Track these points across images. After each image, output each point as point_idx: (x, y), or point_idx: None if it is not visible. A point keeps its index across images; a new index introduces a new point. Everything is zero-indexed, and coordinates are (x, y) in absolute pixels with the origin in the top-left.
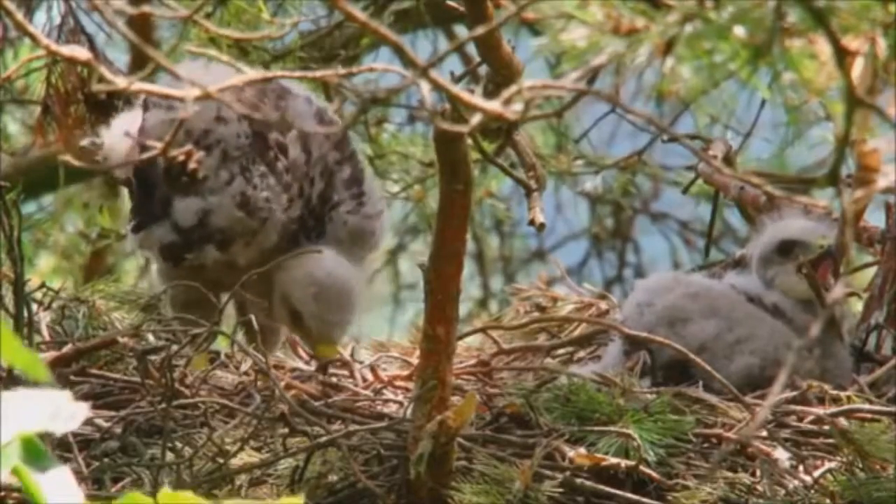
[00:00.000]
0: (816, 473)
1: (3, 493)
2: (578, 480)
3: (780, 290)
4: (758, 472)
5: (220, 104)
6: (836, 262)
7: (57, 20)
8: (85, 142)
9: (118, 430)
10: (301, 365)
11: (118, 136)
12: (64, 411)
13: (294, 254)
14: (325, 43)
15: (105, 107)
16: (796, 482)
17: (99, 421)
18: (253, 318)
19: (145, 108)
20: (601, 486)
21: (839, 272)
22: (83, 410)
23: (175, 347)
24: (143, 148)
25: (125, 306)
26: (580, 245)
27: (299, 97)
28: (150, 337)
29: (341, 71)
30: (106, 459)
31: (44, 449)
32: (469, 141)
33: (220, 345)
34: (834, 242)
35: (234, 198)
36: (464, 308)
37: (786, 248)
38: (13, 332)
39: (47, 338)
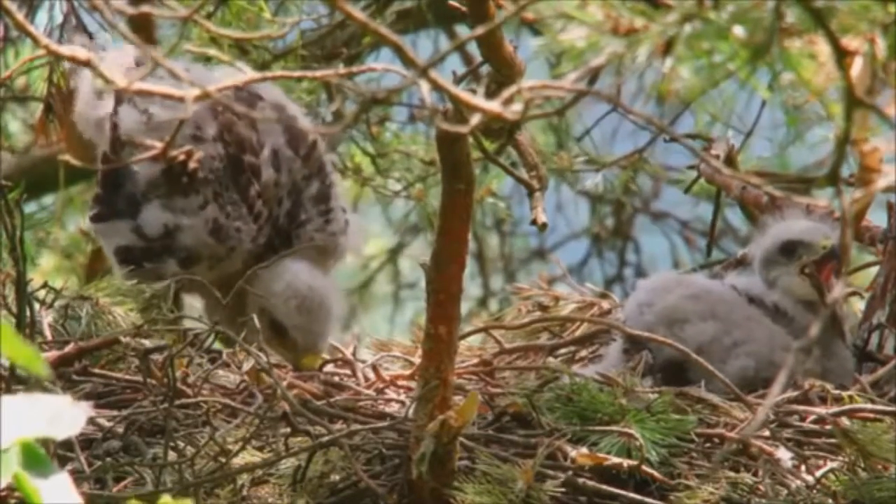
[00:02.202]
0: (819, 473)
1: (4, 493)
2: (581, 480)
3: (783, 291)
4: (760, 472)
5: (197, 120)
6: (839, 262)
7: (58, 19)
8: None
9: (120, 429)
10: None
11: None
12: (65, 416)
13: (267, 263)
14: (326, 42)
15: None
16: (798, 482)
17: (101, 420)
18: (255, 317)
19: (117, 101)
20: (603, 486)
21: (840, 272)
22: (84, 415)
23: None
24: (117, 141)
25: (128, 302)
26: (581, 244)
27: (267, 106)
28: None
29: (342, 70)
30: (108, 459)
31: (44, 454)
32: (471, 140)
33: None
34: (837, 243)
35: (206, 223)
36: (464, 307)
37: (789, 249)
38: (15, 331)
39: (49, 337)
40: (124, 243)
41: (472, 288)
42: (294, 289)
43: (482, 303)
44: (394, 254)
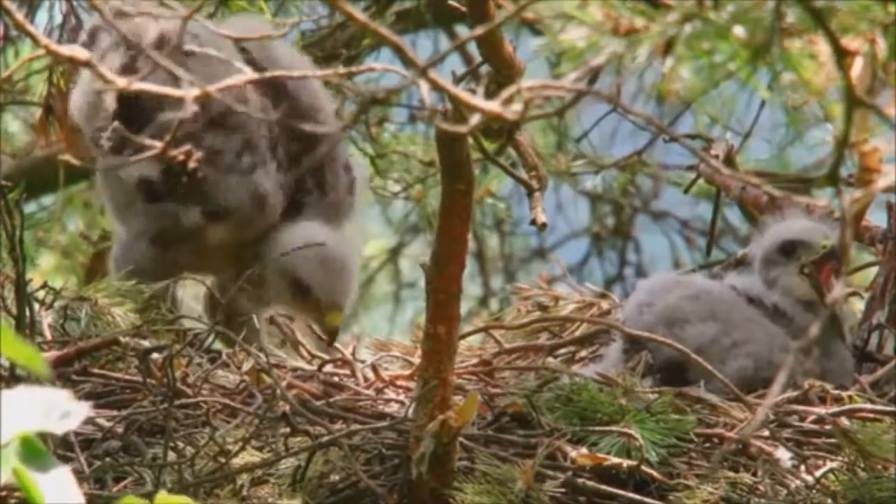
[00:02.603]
0: (818, 473)
1: (4, 493)
2: (580, 480)
3: (782, 291)
4: (759, 472)
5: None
6: (839, 262)
7: (58, 19)
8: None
9: (120, 429)
10: (303, 364)
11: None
12: (63, 410)
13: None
14: (326, 43)
15: None
16: (798, 482)
17: (101, 420)
18: (255, 317)
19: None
20: (603, 486)
21: (840, 272)
22: (83, 410)
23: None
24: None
25: (127, 302)
26: (581, 244)
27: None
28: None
29: (342, 71)
30: (108, 459)
31: (43, 449)
32: (470, 140)
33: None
34: (836, 243)
35: (249, 189)
36: (464, 307)
37: (788, 249)
38: (14, 331)
39: (49, 337)
40: (151, 177)
41: (472, 288)
42: (315, 248)
43: (483, 302)
44: (394, 254)
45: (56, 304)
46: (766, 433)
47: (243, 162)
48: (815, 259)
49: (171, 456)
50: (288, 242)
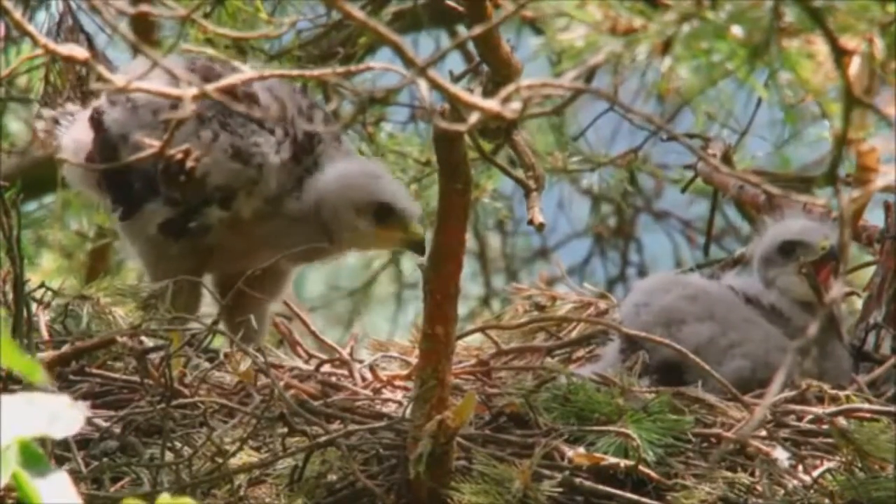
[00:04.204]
0: (816, 473)
1: (2, 494)
2: (578, 480)
3: (781, 291)
4: (757, 472)
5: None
6: (837, 263)
7: (56, 18)
8: (46, 122)
9: (117, 429)
10: (300, 364)
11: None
12: (63, 416)
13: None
14: (322, 42)
15: None
16: (795, 482)
17: (98, 420)
18: (252, 318)
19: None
20: (600, 486)
21: (839, 272)
22: (82, 415)
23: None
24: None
25: (127, 302)
26: (583, 243)
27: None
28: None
29: (339, 70)
30: (105, 459)
31: (42, 454)
32: (468, 140)
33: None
34: (835, 243)
35: (225, 151)
36: (466, 307)
37: (787, 249)
38: (12, 333)
39: (47, 337)
40: (162, 219)
41: (474, 288)
42: (371, 168)
43: (484, 302)
44: (396, 254)
45: (55, 304)
46: (764, 433)
47: (203, 138)
48: (815, 260)
49: (169, 456)
50: (331, 177)
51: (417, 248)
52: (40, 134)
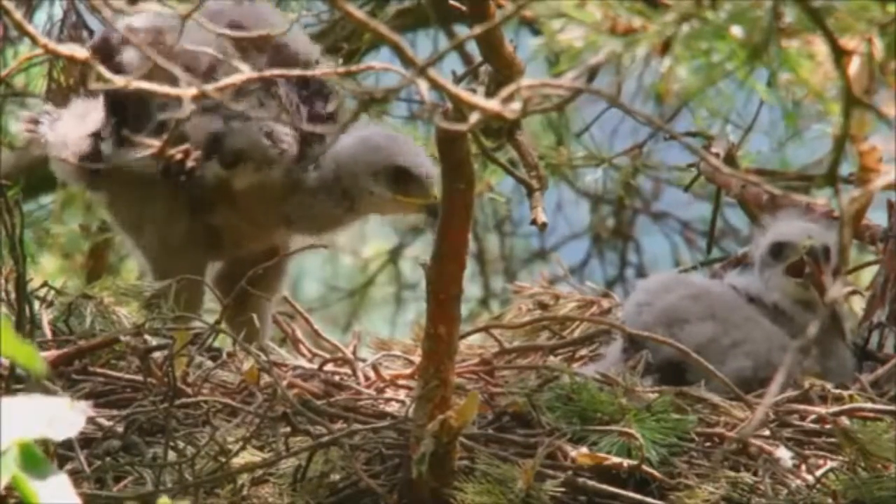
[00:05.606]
0: (819, 473)
1: (4, 494)
2: (581, 480)
3: (777, 292)
4: (760, 472)
5: (220, 40)
6: (818, 262)
7: (57, 18)
8: (26, 125)
9: (120, 428)
10: (303, 363)
11: (70, 125)
12: (63, 417)
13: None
14: (326, 37)
15: None
16: (798, 481)
17: (101, 420)
18: (254, 316)
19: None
20: (603, 486)
21: (839, 271)
22: (82, 416)
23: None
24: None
25: (130, 301)
26: (581, 244)
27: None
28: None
29: (341, 69)
30: (108, 458)
31: (42, 455)
32: (470, 139)
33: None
34: (819, 243)
35: (261, 128)
36: (465, 308)
37: (776, 251)
38: (14, 330)
39: (49, 336)
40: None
41: (472, 288)
42: (390, 133)
43: (483, 303)
44: (394, 255)
45: (58, 303)
46: (767, 433)
47: (240, 108)
48: (797, 260)
49: (172, 455)
50: (350, 142)
51: (434, 212)
52: (24, 134)
